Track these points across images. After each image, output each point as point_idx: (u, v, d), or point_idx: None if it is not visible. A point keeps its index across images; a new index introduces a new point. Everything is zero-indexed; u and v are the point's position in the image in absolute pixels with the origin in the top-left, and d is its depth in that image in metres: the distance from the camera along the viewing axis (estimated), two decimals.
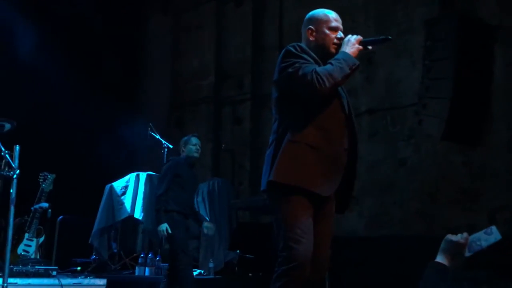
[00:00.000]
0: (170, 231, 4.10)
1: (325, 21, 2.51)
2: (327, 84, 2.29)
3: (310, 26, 2.52)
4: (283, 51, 2.44)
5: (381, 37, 2.49)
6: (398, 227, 5.46)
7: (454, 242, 1.90)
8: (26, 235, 4.75)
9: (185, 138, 4.60)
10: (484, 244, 1.88)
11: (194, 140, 4.52)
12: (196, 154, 4.51)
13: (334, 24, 2.51)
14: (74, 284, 4.02)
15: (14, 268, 3.87)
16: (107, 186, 5.62)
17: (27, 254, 4.67)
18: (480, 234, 1.90)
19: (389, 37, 2.46)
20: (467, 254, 1.90)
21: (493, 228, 1.89)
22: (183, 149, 4.53)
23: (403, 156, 5.57)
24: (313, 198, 2.33)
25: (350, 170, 2.46)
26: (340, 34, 2.51)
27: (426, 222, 5.30)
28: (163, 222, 4.14)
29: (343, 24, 2.55)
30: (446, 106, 4.43)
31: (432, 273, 1.87)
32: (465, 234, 1.92)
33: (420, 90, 4.74)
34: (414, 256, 4.86)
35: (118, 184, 5.63)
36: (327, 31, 2.49)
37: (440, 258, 1.91)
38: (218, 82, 7.24)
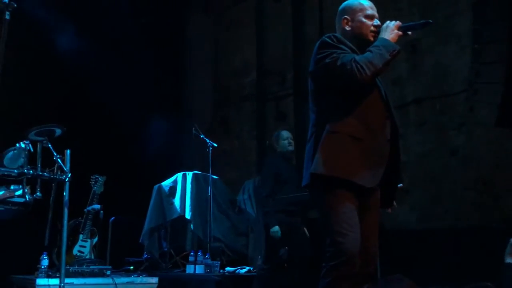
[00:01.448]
0: (279, 235, 4.16)
1: (360, 9, 2.46)
2: (367, 72, 2.23)
3: (345, 16, 2.47)
4: (319, 41, 2.40)
5: (421, 21, 2.40)
6: (452, 218, 5.26)
7: None
8: (81, 236, 4.91)
9: (276, 133, 4.64)
10: None
11: (285, 134, 4.50)
12: (290, 148, 4.55)
13: (369, 12, 2.45)
14: (128, 283, 4.12)
15: (70, 269, 4.00)
16: (155, 187, 5.72)
17: (82, 254, 4.83)
18: None
19: (430, 20, 2.37)
20: None
21: None
22: (276, 146, 4.56)
23: (455, 145, 5.36)
24: (356, 190, 2.27)
25: (394, 162, 2.38)
26: (376, 21, 2.44)
27: (482, 212, 5.09)
28: (274, 225, 4.24)
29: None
30: (499, 91, 4.23)
31: (508, 275, 1.85)
32: None
33: (470, 75, 4.55)
34: (470, 248, 4.69)
35: (166, 184, 5.72)
36: (364, 19, 2.44)
37: (510, 260, 1.88)
38: (261, 79, 7.22)
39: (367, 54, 2.29)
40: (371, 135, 2.30)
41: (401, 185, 2.56)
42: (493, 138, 5.04)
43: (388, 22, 2.39)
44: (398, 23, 2.38)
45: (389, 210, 2.52)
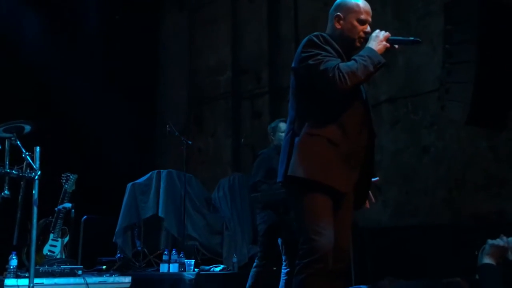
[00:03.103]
0: None
1: (355, 11, 2.41)
2: (348, 82, 2.21)
3: (339, 13, 2.42)
4: (306, 39, 2.37)
5: (411, 38, 2.39)
6: (424, 216, 5.35)
7: (500, 247, 1.96)
8: (51, 235, 4.81)
9: (273, 124, 4.38)
10: None
11: (283, 126, 4.16)
12: None
13: (363, 16, 2.41)
14: (100, 283, 4.04)
15: (40, 269, 3.91)
16: (129, 185, 5.64)
17: (52, 254, 4.73)
18: None
19: (419, 39, 2.37)
20: (511, 257, 1.94)
21: None
22: (272, 137, 4.32)
23: (427, 144, 5.45)
24: (331, 192, 2.29)
25: (368, 167, 2.42)
26: (367, 28, 2.41)
27: (453, 210, 5.19)
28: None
29: None
30: (470, 90, 4.30)
31: (487, 275, 1.91)
32: (504, 238, 1.96)
33: (442, 75, 4.62)
34: (441, 245, 4.78)
35: (139, 182, 5.66)
36: (355, 23, 2.40)
37: (487, 260, 1.95)
38: (236, 77, 7.20)
39: (352, 63, 2.26)
40: (348, 140, 2.30)
41: (377, 178, 2.57)
42: (464, 136, 5.15)
43: (377, 31, 2.36)
44: (387, 34, 2.35)
45: (367, 206, 2.54)
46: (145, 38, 7.43)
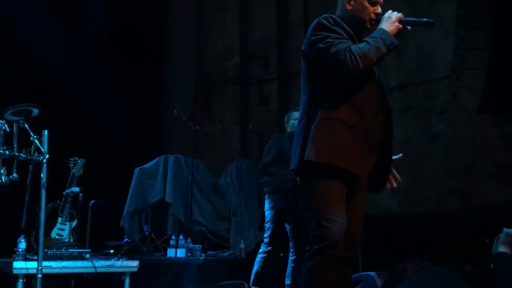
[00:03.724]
0: None
1: None
2: (360, 65, 2.18)
3: None
4: (315, 22, 2.33)
5: (424, 19, 2.34)
6: (432, 204, 5.32)
7: None
8: (59, 219, 4.82)
9: (288, 113, 4.49)
10: None
11: (295, 114, 4.23)
12: None
13: None
14: (107, 266, 4.05)
15: (49, 252, 3.92)
16: (136, 169, 5.65)
17: (61, 238, 4.74)
18: None
19: (432, 21, 2.32)
20: None
21: None
22: (286, 125, 4.43)
23: (437, 131, 5.40)
24: (346, 177, 2.25)
25: (386, 148, 2.37)
26: (378, 9, 2.37)
27: (462, 198, 5.15)
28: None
29: None
30: (482, 77, 4.24)
31: (502, 264, 1.91)
32: None
33: (454, 61, 4.56)
34: (450, 233, 4.75)
35: (147, 167, 5.66)
36: (366, 4, 2.36)
37: (502, 249, 1.96)
38: (244, 63, 7.15)
39: (363, 45, 2.22)
40: (363, 122, 2.27)
41: (399, 155, 2.53)
42: (474, 124, 5.09)
43: (390, 12, 2.32)
44: (400, 15, 2.31)
45: (394, 185, 2.49)
46: (153, 23, 7.36)
